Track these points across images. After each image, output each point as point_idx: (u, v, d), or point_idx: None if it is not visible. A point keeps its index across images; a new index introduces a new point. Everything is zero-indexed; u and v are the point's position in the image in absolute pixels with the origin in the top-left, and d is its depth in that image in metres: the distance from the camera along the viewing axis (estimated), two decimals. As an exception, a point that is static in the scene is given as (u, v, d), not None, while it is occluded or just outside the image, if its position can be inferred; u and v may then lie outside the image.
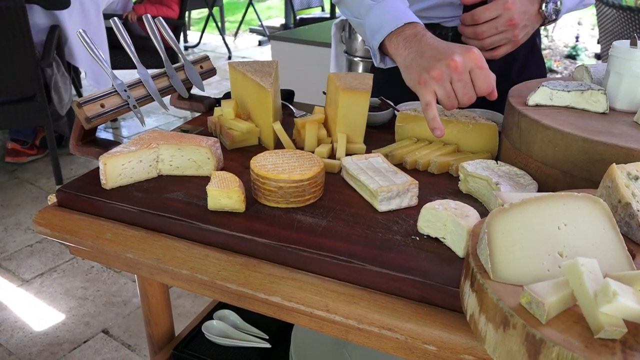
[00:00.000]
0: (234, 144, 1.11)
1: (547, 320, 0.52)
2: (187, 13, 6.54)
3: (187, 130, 1.20)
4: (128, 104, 1.10)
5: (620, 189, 0.68)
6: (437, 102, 0.93)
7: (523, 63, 1.29)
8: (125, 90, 1.10)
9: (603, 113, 0.93)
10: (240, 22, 6.78)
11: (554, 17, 1.11)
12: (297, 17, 5.60)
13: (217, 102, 1.31)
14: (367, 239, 0.81)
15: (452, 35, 1.21)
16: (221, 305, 1.41)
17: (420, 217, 0.81)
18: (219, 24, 6.28)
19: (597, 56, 5.63)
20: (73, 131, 1.08)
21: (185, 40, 6.35)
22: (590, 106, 0.94)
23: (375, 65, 1.13)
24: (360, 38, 2.34)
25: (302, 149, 1.09)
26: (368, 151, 1.09)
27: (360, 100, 1.06)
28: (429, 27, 1.08)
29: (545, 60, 5.29)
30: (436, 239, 0.80)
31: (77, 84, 3.76)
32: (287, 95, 1.34)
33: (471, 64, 0.89)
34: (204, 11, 6.85)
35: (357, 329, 0.74)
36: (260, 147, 1.13)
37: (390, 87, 1.25)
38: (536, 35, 1.30)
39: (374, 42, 1.06)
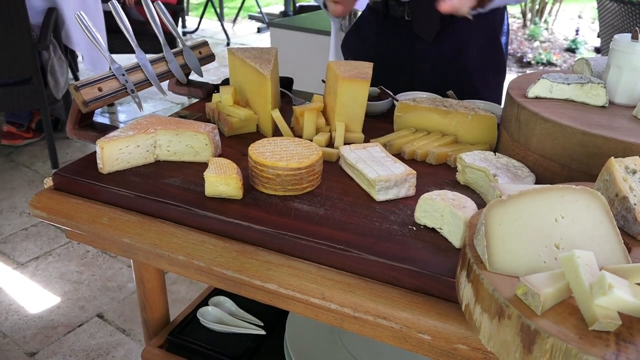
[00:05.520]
0: (232, 130, 1.10)
1: (542, 312, 0.52)
2: (185, -2, 6.49)
3: (185, 116, 1.19)
4: (126, 88, 1.09)
5: (618, 182, 0.69)
6: None
7: (480, 48, 1.36)
8: (123, 75, 1.10)
9: (602, 106, 0.93)
10: (239, 9, 6.73)
11: None
12: (297, 5, 5.56)
13: (215, 88, 1.30)
14: (364, 228, 0.81)
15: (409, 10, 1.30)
16: (216, 292, 1.42)
17: (417, 207, 0.81)
18: (218, 10, 6.22)
19: (597, 50, 5.62)
20: (70, 115, 1.07)
21: (184, 26, 6.30)
22: (589, 99, 0.94)
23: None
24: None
25: (300, 137, 1.09)
26: (366, 140, 1.09)
27: (360, 89, 1.06)
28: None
29: (545, 53, 5.28)
30: (433, 229, 0.80)
31: (74, 68, 3.73)
32: (286, 83, 1.34)
33: None
34: (203, -4, 6.80)
35: (352, 317, 0.74)
36: (258, 135, 1.13)
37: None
38: (497, 27, 1.37)
39: None
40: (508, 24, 1.42)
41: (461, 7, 1.11)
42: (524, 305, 0.53)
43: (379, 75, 1.31)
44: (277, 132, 1.10)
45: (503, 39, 1.40)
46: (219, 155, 1.02)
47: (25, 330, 1.91)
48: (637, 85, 0.93)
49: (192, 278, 0.90)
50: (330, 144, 1.08)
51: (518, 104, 0.93)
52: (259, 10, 6.56)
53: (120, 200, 0.91)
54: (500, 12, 1.37)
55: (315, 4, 1.33)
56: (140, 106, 1.12)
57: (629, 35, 0.95)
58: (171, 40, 1.47)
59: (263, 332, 1.29)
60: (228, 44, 5.78)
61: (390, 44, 1.39)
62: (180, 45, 1.27)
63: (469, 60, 1.35)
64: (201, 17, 6.12)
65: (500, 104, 1.39)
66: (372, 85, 1.16)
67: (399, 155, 1.03)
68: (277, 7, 7.22)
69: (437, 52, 1.34)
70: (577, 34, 5.91)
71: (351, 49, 1.51)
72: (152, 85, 1.16)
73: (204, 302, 1.38)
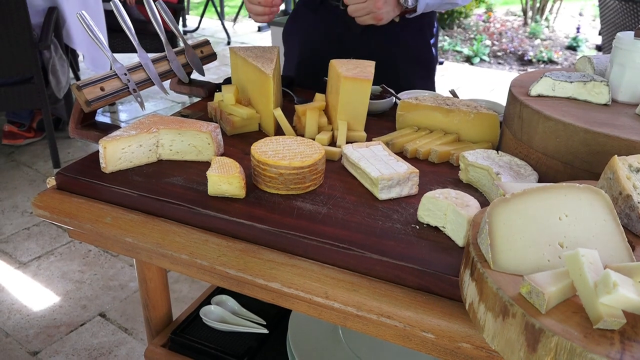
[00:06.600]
0: (234, 129, 1.10)
1: (547, 310, 0.52)
2: (186, -3, 6.49)
3: (187, 116, 1.19)
4: (128, 87, 1.09)
5: (622, 180, 0.69)
6: None
7: (408, 44, 1.41)
8: (125, 74, 1.10)
9: (605, 105, 0.93)
10: (240, 7, 6.72)
11: (409, 3, 1.23)
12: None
13: (217, 87, 1.30)
14: (367, 226, 0.81)
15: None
16: (219, 291, 1.42)
17: (420, 206, 0.81)
18: (218, 9, 6.22)
19: (598, 48, 5.61)
20: (72, 114, 1.07)
21: (184, 25, 6.29)
22: (592, 97, 0.93)
23: None
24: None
25: (302, 135, 1.09)
26: (369, 139, 1.09)
27: (362, 88, 1.05)
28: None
29: (546, 51, 5.27)
30: (436, 227, 0.80)
31: (75, 67, 3.73)
32: (288, 82, 1.34)
33: None
34: (204, -5, 6.79)
35: (355, 316, 0.74)
36: (260, 134, 1.13)
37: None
38: (426, 30, 1.43)
39: None
40: (437, 27, 1.48)
41: (382, 20, 1.20)
42: (528, 303, 0.53)
43: (314, 64, 1.36)
44: (279, 131, 1.10)
45: (432, 40, 1.45)
46: (222, 155, 1.02)
47: (27, 330, 1.91)
48: (640, 83, 0.93)
49: (195, 277, 0.90)
50: (332, 142, 1.08)
51: (520, 102, 0.93)
52: (259, 8, 6.54)
53: (123, 200, 0.91)
54: (429, 16, 1.42)
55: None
56: (142, 105, 1.12)
57: (632, 33, 0.95)
58: (171, 39, 1.47)
59: (266, 331, 1.29)
60: (229, 43, 5.78)
61: (324, 31, 1.42)
62: (182, 44, 1.27)
63: (396, 53, 1.39)
64: (202, 16, 6.11)
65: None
66: (374, 83, 1.16)
67: (401, 154, 1.03)
68: (278, 6, 7.20)
69: (365, 43, 1.37)
70: (578, 32, 5.90)
71: (290, 36, 1.53)
72: (154, 84, 1.16)
73: (207, 301, 1.38)
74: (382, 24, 1.22)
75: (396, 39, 1.38)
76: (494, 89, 4.60)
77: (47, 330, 1.91)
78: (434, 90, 1.48)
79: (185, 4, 6.64)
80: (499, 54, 5.53)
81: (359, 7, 1.19)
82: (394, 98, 1.24)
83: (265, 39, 6.08)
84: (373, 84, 1.08)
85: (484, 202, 0.86)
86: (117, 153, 0.95)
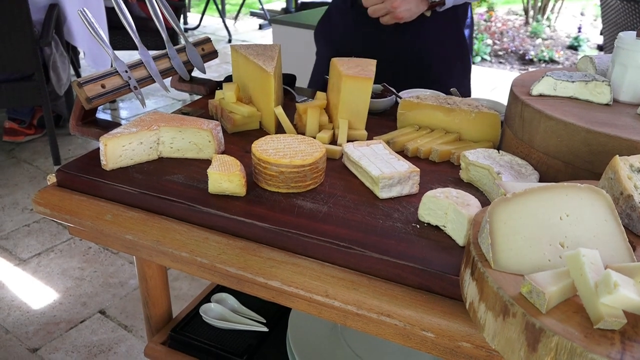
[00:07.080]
0: (235, 127, 1.10)
1: (547, 310, 0.52)
2: (187, -6, 6.48)
3: (187, 113, 1.19)
4: (129, 85, 1.09)
5: (623, 181, 0.68)
6: None
7: (443, 40, 1.39)
8: (126, 71, 1.09)
9: (607, 104, 0.93)
10: (241, 5, 6.72)
11: None
12: (299, 1, 5.55)
13: (218, 85, 1.30)
14: (368, 225, 0.81)
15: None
16: (219, 288, 1.42)
17: (421, 205, 0.81)
18: (220, 7, 6.21)
19: (600, 47, 5.60)
20: (73, 111, 1.07)
21: (185, 22, 6.29)
22: (594, 97, 0.93)
23: None
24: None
25: (303, 134, 1.09)
26: (369, 138, 1.08)
27: (363, 86, 1.05)
28: None
29: (547, 51, 5.26)
30: (436, 227, 0.80)
31: (76, 64, 3.73)
32: (289, 80, 1.33)
33: None
34: (205, -7, 6.79)
35: (355, 314, 0.74)
36: (261, 132, 1.13)
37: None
38: (460, 20, 1.42)
39: None
40: (472, 18, 1.45)
41: (402, 19, 1.20)
42: (529, 303, 0.53)
43: None
44: (280, 129, 1.10)
45: (466, 32, 1.43)
46: (222, 152, 1.02)
47: (27, 326, 1.91)
48: (642, 83, 0.93)
49: (195, 275, 0.90)
50: (333, 141, 1.07)
51: (522, 101, 0.93)
52: (260, 6, 6.55)
53: (124, 197, 0.91)
54: (464, 7, 1.40)
55: (317, 0, 1.34)
56: (143, 103, 1.12)
57: (634, 32, 0.94)
58: (173, 37, 1.47)
59: (265, 329, 1.29)
60: (230, 41, 5.77)
61: (356, 32, 1.41)
62: (183, 42, 1.27)
63: (431, 51, 1.38)
64: (203, 14, 6.11)
65: (467, 94, 1.41)
66: (375, 82, 1.16)
67: (402, 153, 1.03)
68: (279, 4, 7.20)
69: (399, 41, 1.36)
70: (579, 32, 5.89)
71: (322, 36, 1.53)
72: (154, 81, 1.16)
73: (207, 299, 1.38)
74: (405, 21, 1.21)
75: (430, 35, 1.36)
76: (495, 88, 4.60)
77: (47, 327, 1.91)
78: (470, 91, 1.46)
79: (187, 1, 6.64)
80: (500, 53, 5.52)
81: (377, 8, 1.19)
82: (395, 97, 1.23)
83: (267, 36, 6.08)
84: (406, 86, 1.08)
85: (485, 201, 0.86)
86: (117, 150, 0.95)
